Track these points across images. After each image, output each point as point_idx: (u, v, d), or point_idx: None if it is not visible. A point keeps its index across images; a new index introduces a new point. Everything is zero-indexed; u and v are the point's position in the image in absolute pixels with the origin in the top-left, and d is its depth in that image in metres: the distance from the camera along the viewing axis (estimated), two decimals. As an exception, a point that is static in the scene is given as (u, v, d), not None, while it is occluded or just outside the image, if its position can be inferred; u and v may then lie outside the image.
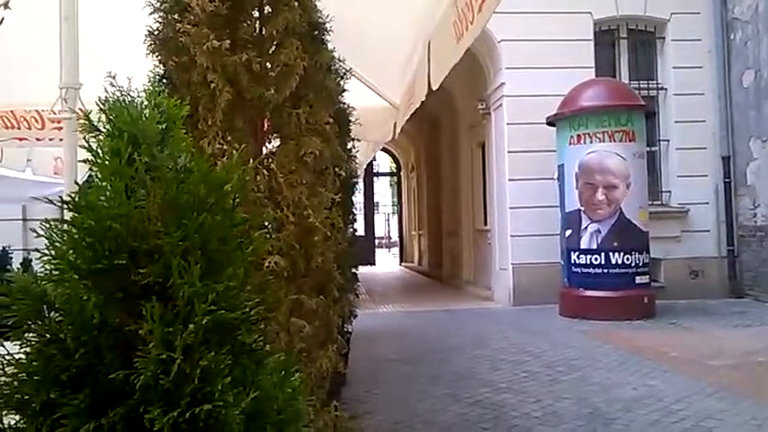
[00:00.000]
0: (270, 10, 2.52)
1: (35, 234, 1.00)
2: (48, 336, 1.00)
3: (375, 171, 22.41)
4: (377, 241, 24.21)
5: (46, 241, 1.02)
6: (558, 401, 4.20)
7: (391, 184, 29.44)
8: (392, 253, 27.45)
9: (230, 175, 1.14)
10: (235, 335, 1.05)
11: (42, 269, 1.03)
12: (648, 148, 8.39)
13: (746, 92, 8.83)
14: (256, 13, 2.55)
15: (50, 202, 1.06)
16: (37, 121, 5.33)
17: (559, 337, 6.39)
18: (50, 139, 5.41)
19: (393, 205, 30.43)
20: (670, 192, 9.31)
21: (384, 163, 25.28)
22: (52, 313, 1.01)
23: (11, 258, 8.50)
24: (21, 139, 5.51)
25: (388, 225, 33.30)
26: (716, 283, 8.99)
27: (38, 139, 5.49)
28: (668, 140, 9.32)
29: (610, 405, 4.07)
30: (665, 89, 9.40)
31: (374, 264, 20.03)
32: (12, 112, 5.25)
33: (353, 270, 4.87)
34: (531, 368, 5.13)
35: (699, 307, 8.10)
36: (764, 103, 8.44)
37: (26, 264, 8.15)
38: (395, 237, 27.63)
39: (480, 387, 4.61)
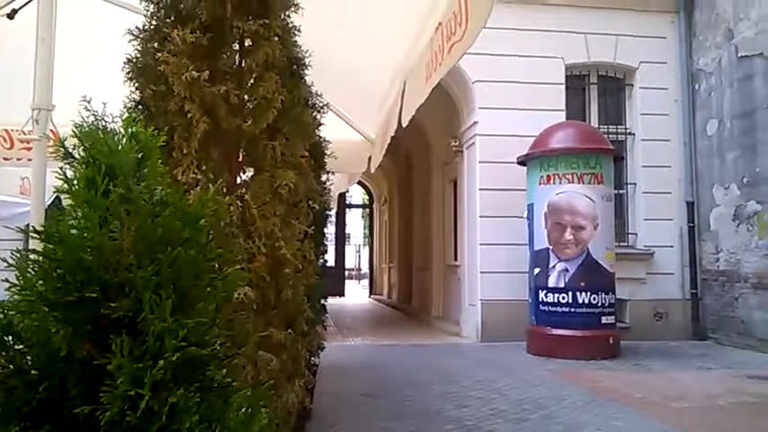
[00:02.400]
0: (250, 43, 2.56)
1: (5, 264, 0.99)
2: (11, 367, 0.98)
3: (348, 202, 22.44)
4: (347, 272, 24.11)
5: (10, 267, 1.00)
6: (523, 441, 4.20)
7: (363, 216, 29.48)
8: (362, 285, 27.34)
9: (205, 210, 1.14)
10: (204, 371, 1.04)
11: (8, 297, 1.01)
12: (616, 191, 8.58)
13: (710, 140, 9.13)
14: (236, 46, 2.58)
15: (22, 231, 1.05)
16: (5, 140, 5.25)
17: (526, 376, 6.41)
18: (18, 159, 5.32)
19: (364, 237, 30.44)
20: (636, 234, 9.50)
21: (357, 195, 25.35)
22: (17, 344, 0.99)
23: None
24: (-13, 158, 5.41)
25: (359, 257, 33.24)
26: (680, 326, 9.14)
27: (5, 159, 5.39)
28: (635, 184, 9.55)
29: (574, 446, 4.08)
30: (633, 134, 9.66)
31: (343, 295, 19.92)
32: (-20, 130, 5.16)
33: (322, 301, 4.86)
34: (498, 406, 5.12)
35: (663, 348, 8.21)
36: (727, 152, 8.73)
37: (-15, 285, 7.91)
38: (365, 268, 27.56)
39: (446, 424, 4.58)
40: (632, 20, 9.51)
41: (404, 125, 3.66)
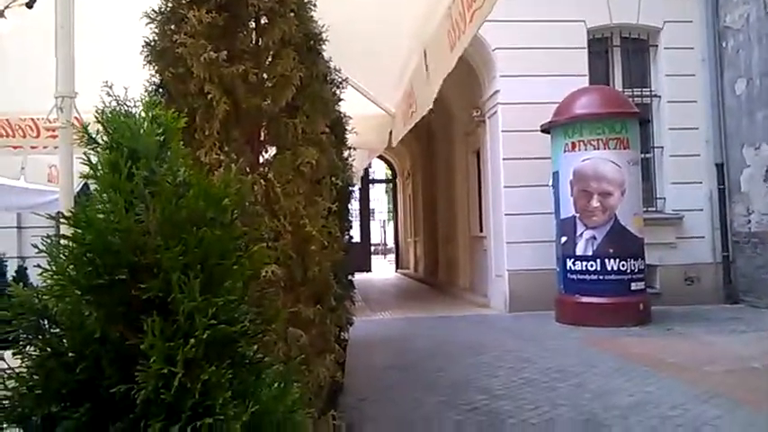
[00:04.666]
0: (266, 21, 2.54)
1: (36, 249, 1.01)
2: (48, 350, 1.01)
3: (371, 178, 22.43)
4: (372, 248, 24.18)
5: (43, 253, 1.02)
6: (555, 408, 4.21)
7: (387, 191, 29.50)
8: (388, 259, 27.45)
9: (229, 189, 1.14)
10: (234, 348, 1.06)
11: (42, 282, 1.03)
12: (642, 155, 8.43)
13: (739, 99, 8.89)
14: (253, 24, 2.57)
15: (52, 218, 1.07)
16: (32, 129, 5.33)
17: (555, 344, 6.40)
18: (45, 147, 5.40)
19: (389, 212, 30.48)
20: (664, 198, 9.35)
21: (380, 170, 25.33)
22: (53, 328, 1.02)
23: (6, 266, 8.47)
24: (15, 147, 5.50)
25: (384, 232, 33.33)
26: (711, 289, 9.02)
27: (32, 147, 5.48)
28: (662, 147, 9.37)
29: (607, 412, 4.08)
30: (659, 96, 9.45)
31: (370, 270, 20.01)
32: (7, 120, 5.25)
33: (349, 277, 4.88)
34: (528, 375, 5.14)
35: (694, 313, 8.13)
36: (757, 111, 8.50)
37: (21, 272, 8.11)
38: (390, 243, 27.64)
39: (477, 394, 4.61)
40: (655, -22, 9.24)
41: (434, 95, 3.63)
